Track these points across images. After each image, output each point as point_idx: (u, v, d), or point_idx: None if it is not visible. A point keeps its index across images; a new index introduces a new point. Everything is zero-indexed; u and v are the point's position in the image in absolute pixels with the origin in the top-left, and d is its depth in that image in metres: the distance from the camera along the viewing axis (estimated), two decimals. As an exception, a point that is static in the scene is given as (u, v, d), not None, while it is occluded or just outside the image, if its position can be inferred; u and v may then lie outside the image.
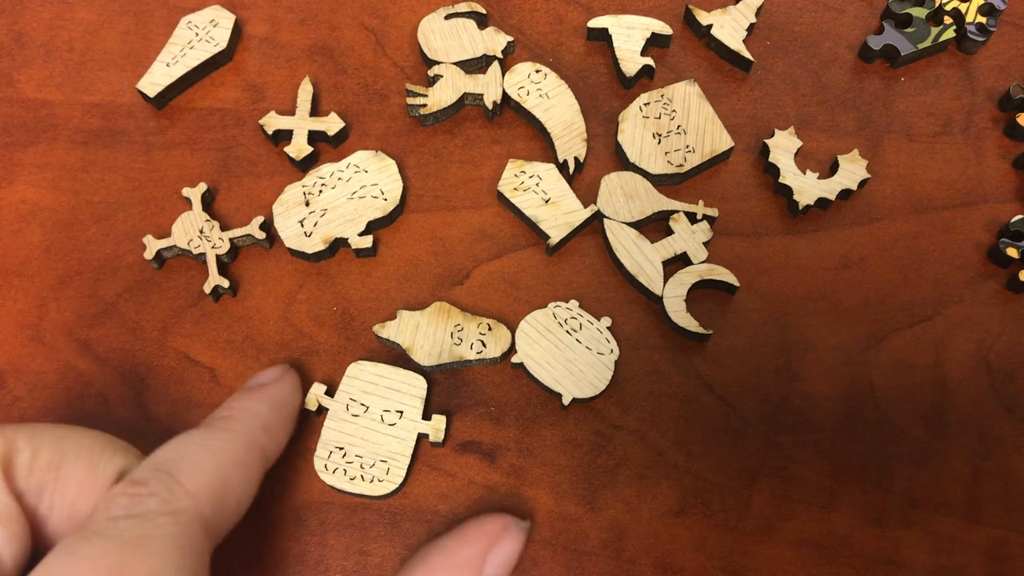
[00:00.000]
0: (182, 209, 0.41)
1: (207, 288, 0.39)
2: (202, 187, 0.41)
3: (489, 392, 0.39)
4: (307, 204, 0.40)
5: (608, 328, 0.39)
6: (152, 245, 0.40)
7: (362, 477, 0.36)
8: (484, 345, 0.38)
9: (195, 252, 0.39)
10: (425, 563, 0.33)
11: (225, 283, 0.39)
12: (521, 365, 0.38)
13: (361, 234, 0.40)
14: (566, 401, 0.37)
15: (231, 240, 0.40)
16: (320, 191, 0.40)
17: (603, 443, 0.38)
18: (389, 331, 0.38)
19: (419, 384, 0.37)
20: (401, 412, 0.37)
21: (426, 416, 0.37)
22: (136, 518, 0.27)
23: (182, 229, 0.40)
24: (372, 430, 0.36)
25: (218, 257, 0.39)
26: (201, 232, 0.40)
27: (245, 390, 0.36)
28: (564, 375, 0.38)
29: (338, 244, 0.40)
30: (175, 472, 0.29)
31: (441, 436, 0.37)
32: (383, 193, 0.41)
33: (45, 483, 0.30)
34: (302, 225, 0.40)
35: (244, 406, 0.34)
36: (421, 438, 0.37)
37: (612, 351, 0.38)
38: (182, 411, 0.38)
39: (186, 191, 0.41)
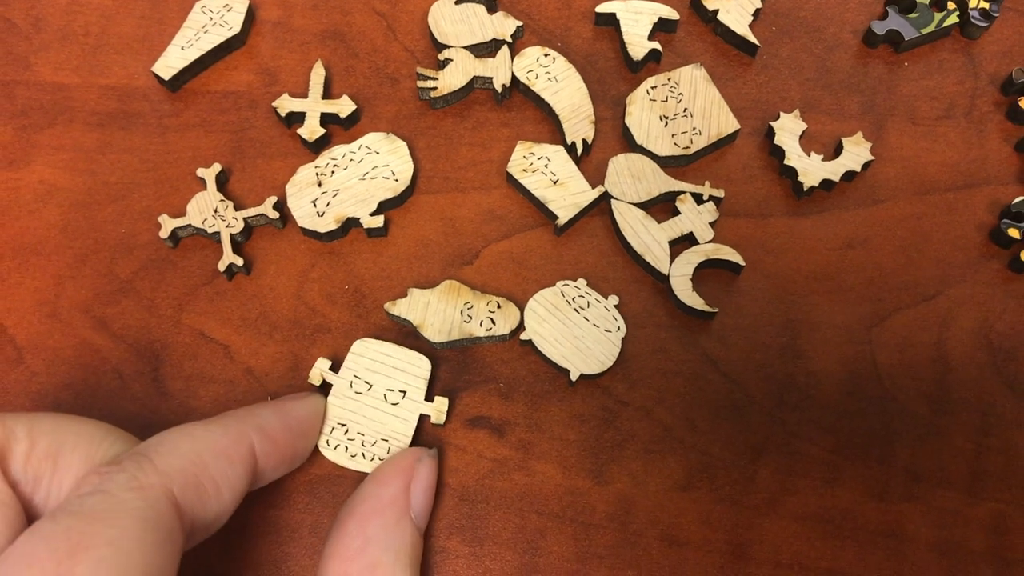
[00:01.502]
0: (197, 189, 0.42)
1: (221, 266, 0.40)
2: (216, 168, 0.41)
3: (498, 369, 0.39)
4: (320, 184, 0.41)
5: (615, 306, 0.39)
6: (167, 224, 0.40)
7: (363, 455, 0.37)
8: (493, 323, 0.39)
9: (209, 231, 0.40)
10: (353, 513, 0.33)
11: (239, 261, 0.40)
12: (530, 342, 0.39)
13: (373, 214, 0.41)
14: (574, 377, 0.38)
15: (245, 219, 0.40)
16: (332, 172, 0.41)
17: (610, 419, 0.38)
18: (400, 308, 0.39)
19: (423, 365, 0.38)
20: (404, 392, 0.37)
21: (429, 397, 0.38)
22: (101, 494, 0.27)
23: (197, 209, 0.41)
24: (375, 408, 0.37)
25: (232, 236, 0.40)
26: (215, 212, 0.40)
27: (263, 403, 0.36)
28: (572, 352, 0.38)
29: (350, 224, 0.41)
30: (150, 453, 0.29)
31: (443, 418, 0.38)
32: (394, 174, 0.41)
33: (42, 473, 0.30)
34: (315, 205, 0.41)
35: (248, 408, 0.34)
36: (423, 419, 0.38)
37: (619, 328, 0.39)
38: (196, 387, 0.39)
39: (201, 171, 0.41)
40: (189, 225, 0.40)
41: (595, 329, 0.39)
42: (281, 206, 0.41)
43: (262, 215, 0.41)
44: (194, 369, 0.39)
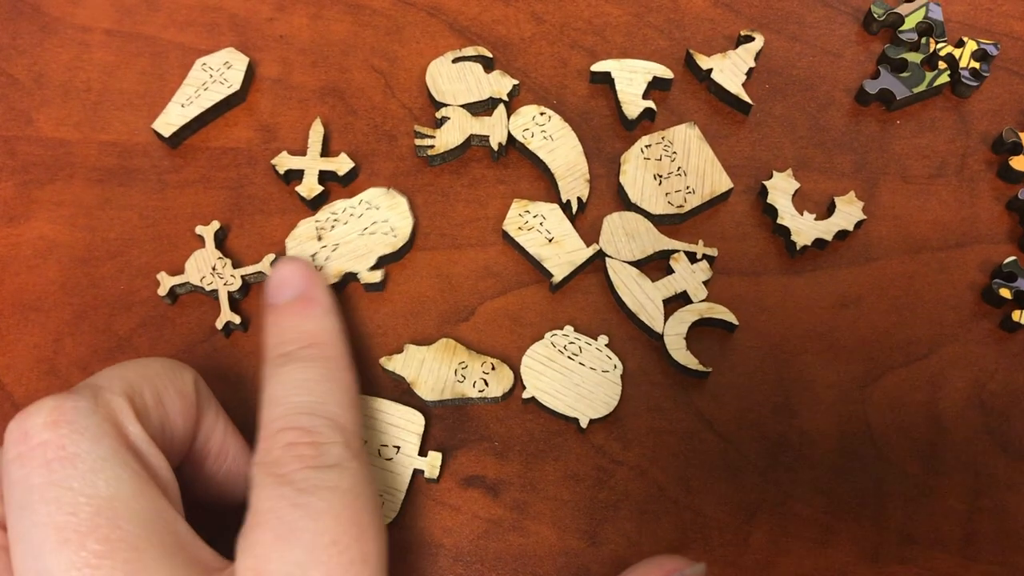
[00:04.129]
0: (196, 246, 0.42)
1: (219, 324, 0.40)
2: (215, 225, 0.42)
3: (493, 427, 0.39)
4: (319, 239, 0.41)
5: (607, 345, 0.40)
6: (166, 282, 0.41)
7: None
8: (486, 384, 0.39)
9: (207, 289, 0.41)
10: None
11: (237, 319, 0.40)
12: (532, 400, 0.39)
13: (371, 269, 0.41)
14: (584, 424, 0.38)
15: (243, 277, 0.41)
16: (332, 226, 0.42)
17: (604, 478, 0.39)
18: (395, 364, 0.39)
19: (417, 420, 0.38)
20: (398, 447, 0.38)
21: (423, 452, 0.38)
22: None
23: (195, 266, 0.41)
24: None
25: (230, 294, 0.40)
26: (214, 269, 0.41)
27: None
28: (576, 400, 0.39)
29: (348, 278, 0.41)
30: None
31: (436, 473, 0.38)
32: (393, 230, 0.42)
33: (163, 419, 0.32)
34: (314, 259, 0.41)
35: None
36: (416, 474, 0.38)
37: (615, 367, 0.39)
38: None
39: (199, 229, 0.42)
40: (187, 283, 0.41)
41: (593, 372, 0.39)
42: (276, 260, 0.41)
43: (260, 272, 0.41)
44: (190, 426, 0.39)
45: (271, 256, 0.41)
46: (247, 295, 0.41)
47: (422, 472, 0.38)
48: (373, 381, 0.40)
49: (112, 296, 0.42)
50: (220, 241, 0.42)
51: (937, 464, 0.39)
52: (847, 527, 0.38)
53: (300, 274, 0.36)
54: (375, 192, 0.42)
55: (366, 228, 0.42)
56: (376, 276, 0.41)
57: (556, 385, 0.39)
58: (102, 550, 0.26)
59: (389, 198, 0.42)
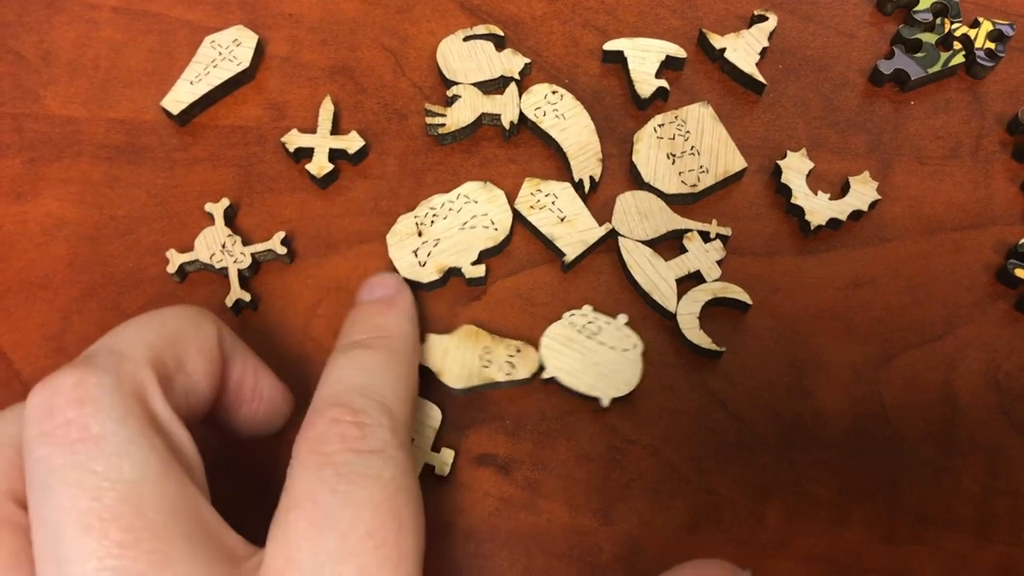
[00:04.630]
0: (204, 224, 0.42)
1: (228, 302, 0.40)
2: (224, 203, 0.41)
3: (505, 406, 0.39)
4: (420, 234, 0.41)
5: (626, 324, 0.39)
6: (175, 259, 0.40)
7: None
8: (513, 367, 0.39)
9: (217, 266, 0.40)
10: None
11: (247, 297, 0.40)
12: (553, 379, 0.39)
13: (474, 264, 0.41)
14: (605, 403, 0.38)
15: (253, 255, 0.40)
16: (432, 221, 0.41)
17: (617, 458, 0.38)
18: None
19: (434, 415, 0.38)
20: (412, 440, 0.37)
21: (436, 447, 0.38)
22: None
23: (204, 244, 0.41)
24: None
25: (240, 271, 0.40)
26: (223, 247, 0.40)
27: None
28: (597, 378, 0.38)
29: (452, 273, 0.41)
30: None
31: (447, 470, 0.37)
32: (493, 223, 0.41)
33: (187, 386, 0.31)
34: (416, 255, 0.41)
35: None
36: (427, 469, 0.38)
37: (635, 345, 0.39)
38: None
39: (208, 206, 0.41)
40: (197, 260, 0.40)
41: (613, 352, 0.39)
42: (289, 241, 0.41)
43: (270, 251, 0.41)
44: (200, 405, 0.39)
45: (281, 234, 0.41)
46: (256, 273, 0.41)
47: (433, 468, 0.37)
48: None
49: (120, 274, 0.41)
50: (230, 219, 0.42)
51: (952, 445, 0.39)
52: (861, 508, 0.38)
53: (391, 281, 0.38)
54: (473, 186, 0.42)
55: (465, 223, 0.41)
56: (480, 270, 0.40)
57: (576, 365, 0.39)
58: (125, 539, 0.25)
59: (487, 191, 0.42)
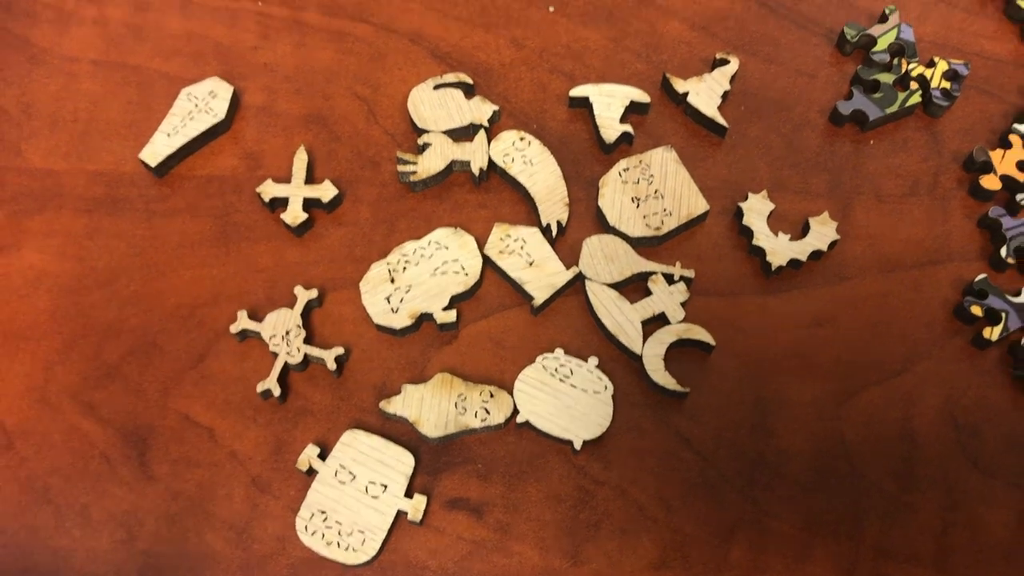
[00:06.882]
0: (183, 275, 0.43)
1: (259, 388, 0.40)
2: (313, 292, 0.42)
3: (476, 449, 0.40)
4: (392, 281, 0.42)
5: (596, 367, 0.40)
6: (242, 322, 0.41)
7: (338, 544, 0.37)
8: (488, 412, 0.40)
9: (271, 349, 0.41)
10: None
11: (277, 391, 0.40)
12: (527, 423, 0.40)
13: (445, 309, 0.42)
14: (578, 446, 0.39)
15: (307, 355, 0.41)
16: (404, 267, 0.42)
17: (586, 499, 0.39)
18: (395, 406, 0.40)
19: (407, 461, 0.39)
20: (386, 486, 0.38)
21: (409, 493, 0.39)
22: None
23: (273, 323, 0.41)
24: (356, 500, 0.38)
25: (287, 363, 0.40)
26: (287, 334, 0.41)
27: None
28: (569, 422, 0.39)
29: (423, 319, 0.42)
30: None
31: (419, 516, 0.38)
32: (464, 268, 0.42)
33: None
34: (388, 301, 0.42)
35: None
36: (400, 514, 0.39)
37: (606, 387, 0.40)
38: (182, 470, 0.40)
39: (298, 290, 0.42)
40: (259, 333, 0.41)
41: (584, 394, 0.40)
42: (343, 360, 0.41)
43: (322, 360, 0.41)
44: (180, 453, 0.40)
45: (339, 350, 0.41)
46: (304, 370, 0.41)
47: (406, 513, 0.38)
48: (359, 407, 0.41)
49: (101, 324, 0.42)
50: (212, 270, 0.43)
51: (911, 480, 0.40)
52: (824, 543, 0.39)
53: None
54: (444, 232, 0.43)
55: (437, 268, 0.42)
56: (451, 316, 0.41)
57: (549, 408, 0.40)
58: None
59: (458, 237, 0.43)
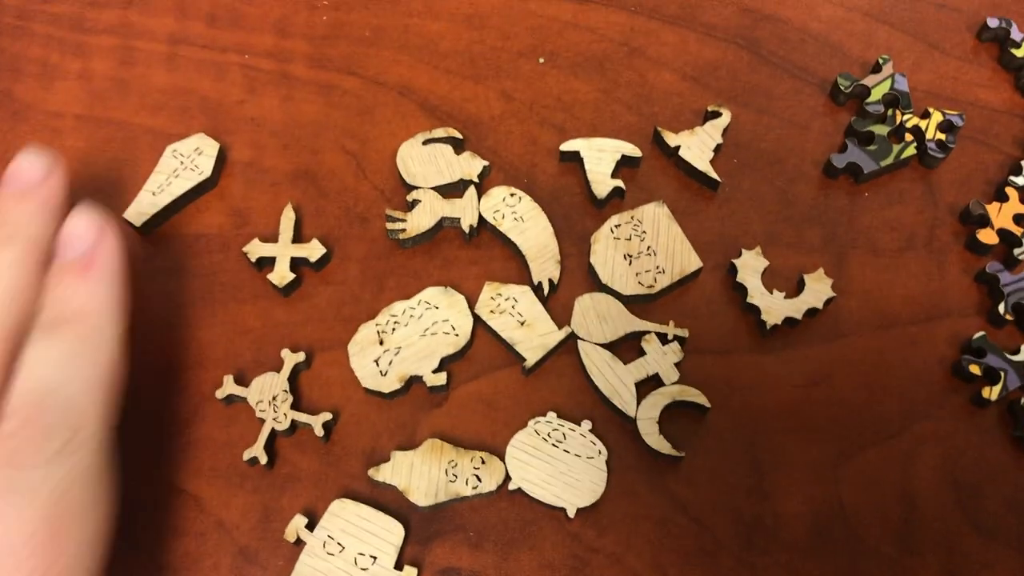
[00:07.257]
0: (168, 337, 0.42)
1: (246, 455, 0.39)
2: (300, 356, 0.41)
3: (468, 516, 0.39)
4: (381, 343, 0.41)
5: (590, 431, 0.40)
6: (228, 387, 0.40)
7: None
8: (479, 479, 0.39)
9: (258, 414, 0.40)
10: None
11: (264, 459, 0.39)
12: (519, 490, 0.39)
13: (435, 371, 0.41)
14: (571, 514, 0.38)
15: (293, 421, 0.40)
16: (393, 329, 0.41)
17: (580, 567, 0.39)
18: (384, 474, 0.39)
19: (396, 531, 0.38)
20: (375, 558, 0.37)
21: (399, 565, 0.38)
22: None
23: (259, 387, 0.40)
24: (345, 572, 0.37)
25: (273, 430, 0.40)
26: (274, 399, 0.40)
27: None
28: (562, 488, 0.39)
29: (413, 381, 0.41)
30: None
31: None
32: (454, 329, 0.42)
33: None
34: (377, 364, 0.41)
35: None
36: None
37: (600, 452, 0.39)
38: (167, 539, 0.39)
39: (285, 353, 0.41)
40: (244, 399, 0.40)
41: (578, 459, 0.39)
42: (330, 426, 0.40)
43: (309, 426, 0.40)
44: (165, 521, 0.39)
45: (327, 416, 0.40)
46: (291, 435, 0.41)
47: None
48: (347, 473, 0.40)
49: (85, 389, 0.41)
50: (195, 331, 0.42)
51: (911, 543, 0.39)
52: (823, 610, 0.38)
53: (90, 230, 0.34)
54: (433, 291, 0.42)
55: (427, 329, 0.42)
56: (441, 379, 0.41)
57: (542, 475, 0.39)
58: None
59: (448, 296, 0.42)
